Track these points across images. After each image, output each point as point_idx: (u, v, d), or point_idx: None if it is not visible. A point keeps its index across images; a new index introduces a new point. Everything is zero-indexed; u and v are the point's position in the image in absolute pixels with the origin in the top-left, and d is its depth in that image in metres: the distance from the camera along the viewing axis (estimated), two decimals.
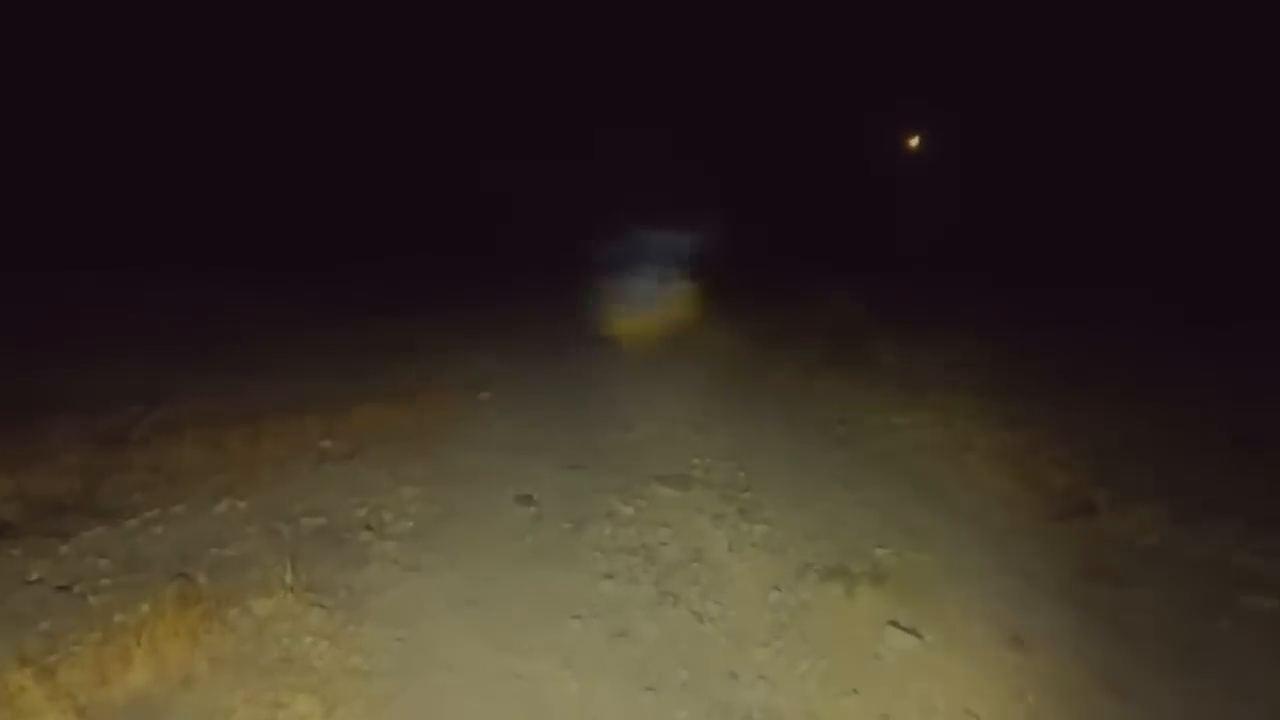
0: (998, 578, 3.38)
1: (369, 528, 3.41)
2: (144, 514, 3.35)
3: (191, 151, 11.88)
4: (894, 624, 2.89)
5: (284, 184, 12.64)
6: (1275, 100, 11.27)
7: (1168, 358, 7.52)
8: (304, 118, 13.12)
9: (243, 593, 2.76)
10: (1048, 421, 5.48)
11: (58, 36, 10.62)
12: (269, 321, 7.67)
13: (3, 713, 2.13)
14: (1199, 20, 11.98)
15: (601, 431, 5.06)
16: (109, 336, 6.52)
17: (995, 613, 3.08)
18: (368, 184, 13.96)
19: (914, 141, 16.44)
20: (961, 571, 3.40)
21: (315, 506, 3.57)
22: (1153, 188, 12.39)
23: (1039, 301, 10.28)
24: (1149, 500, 4.20)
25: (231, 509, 3.49)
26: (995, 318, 9.13)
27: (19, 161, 9.76)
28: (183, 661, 2.40)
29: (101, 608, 2.65)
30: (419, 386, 5.67)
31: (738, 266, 13.17)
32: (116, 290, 8.25)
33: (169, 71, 11.59)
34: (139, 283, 8.72)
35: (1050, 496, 4.31)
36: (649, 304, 10.50)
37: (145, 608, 2.62)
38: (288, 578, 2.82)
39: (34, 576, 2.85)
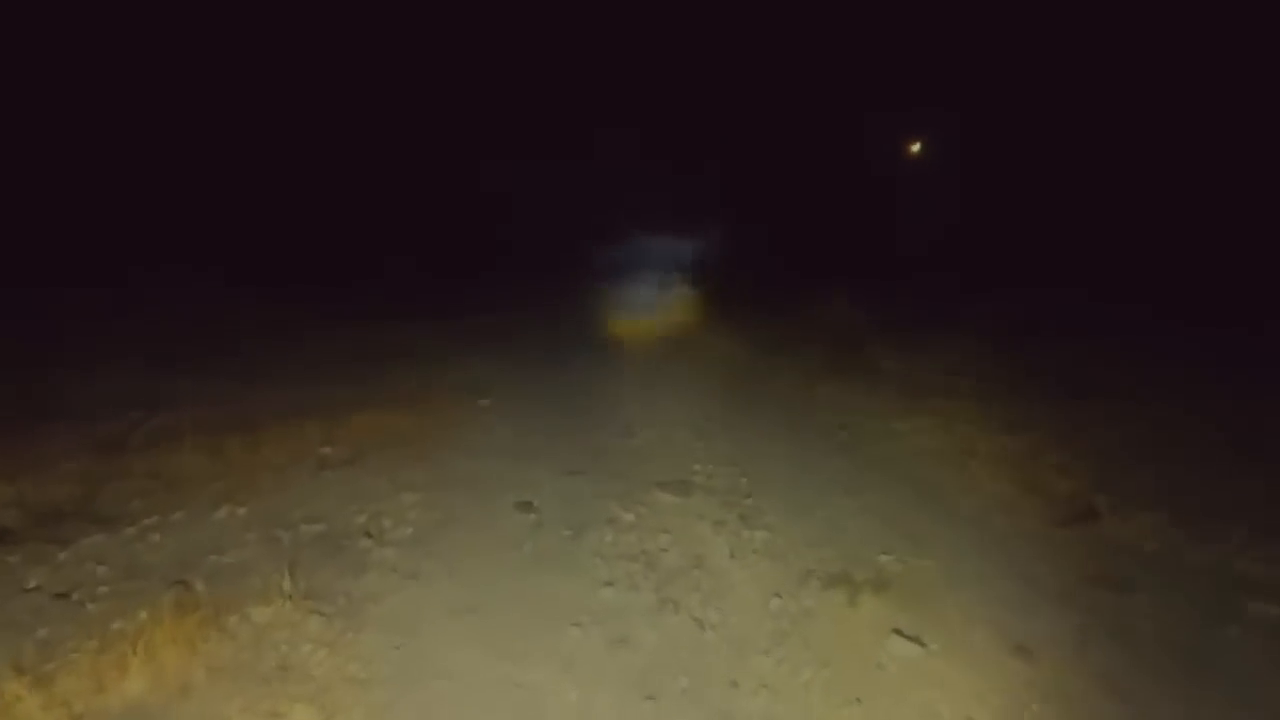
0: (1000, 584, 3.36)
1: (368, 534, 3.40)
2: (143, 521, 3.34)
3: (191, 157, 11.90)
4: (897, 632, 2.87)
5: (284, 189, 12.66)
6: (1273, 104, 11.27)
7: (1167, 361, 7.50)
8: (302, 123, 13.14)
9: (241, 600, 2.75)
10: (1048, 426, 5.46)
11: (59, 39, 10.66)
12: (269, 328, 7.67)
13: None
14: (1197, 24, 12.00)
15: (602, 437, 5.05)
16: (109, 343, 6.51)
17: (998, 619, 3.05)
18: (368, 189, 13.98)
19: (915, 145, 16.46)
20: (964, 578, 3.38)
21: (315, 513, 3.55)
22: (1152, 191, 12.39)
23: (1039, 305, 10.26)
24: (1151, 506, 4.18)
25: (231, 516, 3.48)
26: (995, 322, 9.11)
27: (20, 167, 9.78)
28: (180, 670, 2.38)
29: (99, 615, 2.64)
30: (419, 392, 5.67)
31: (738, 271, 13.18)
32: (116, 296, 8.25)
33: (167, 77, 11.62)
34: (139, 289, 8.72)
35: (1052, 502, 4.29)
36: (649, 309, 10.51)
37: (143, 615, 2.61)
38: (286, 585, 2.81)
39: (32, 584, 2.84)
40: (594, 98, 16.38)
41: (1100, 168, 13.20)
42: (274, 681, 2.38)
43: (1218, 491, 4.43)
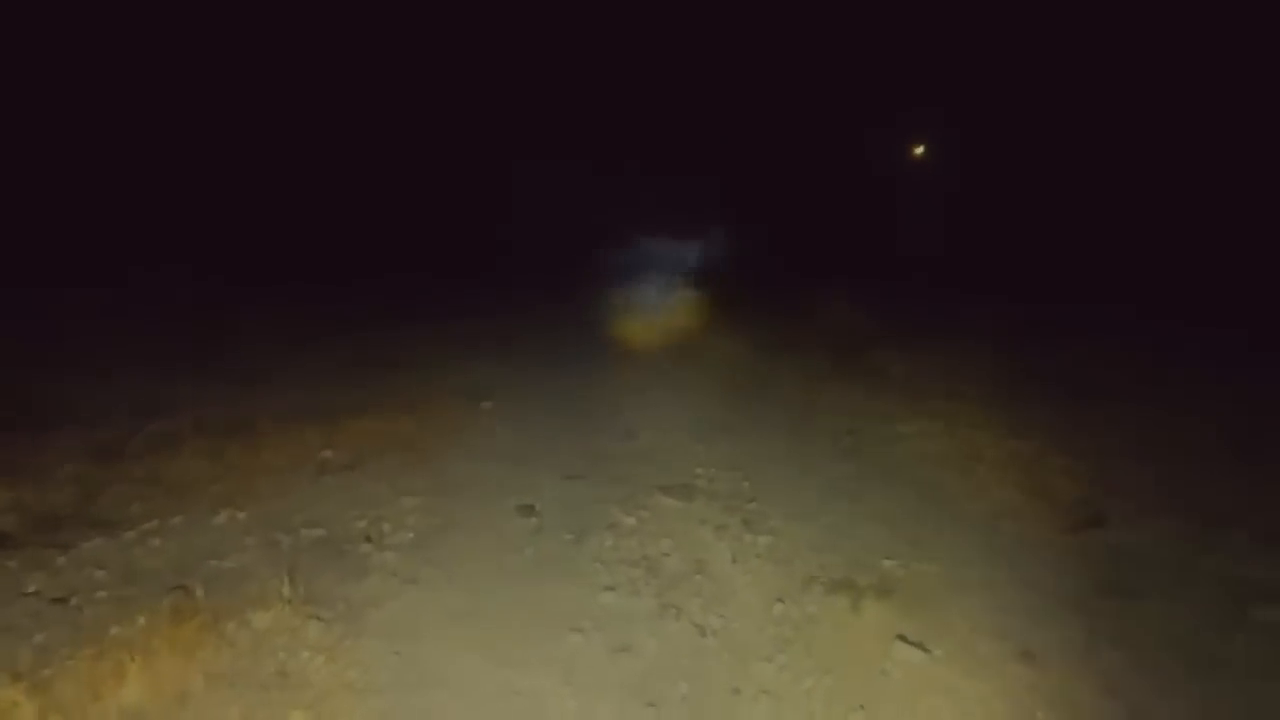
0: (1006, 590, 3.32)
1: (368, 539, 3.38)
2: (142, 525, 3.32)
3: (193, 162, 11.93)
4: (901, 638, 2.84)
5: (286, 191, 12.69)
6: (1271, 110, 11.24)
7: (1169, 362, 7.46)
8: (304, 124, 13.17)
9: (240, 606, 2.73)
10: (1053, 429, 5.43)
11: (60, 43, 10.70)
12: (270, 332, 7.67)
13: None
14: (1197, 34, 11.99)
15: (604, 441, 5.03)
16: (109, 346, 6.51)
17: (1004, 626, 3.02)
18: (369, 190, 14.02)
19: (916, 151, 16.45)
20: (969, 584, 3.35)
21: (315, 518, 3.54)
22: (1152, 193, 12.36)
23: (1039, 308, 10.23)
24: (1157, 511, 4.14)
25: (230, 520, 3.46)
26: (996, 325, 9.08)
27: (22, 171, 9.81)
28: (178, 676, 2.36)
29: (97, 621, 2.63)
30: (420, 396, 5.65)
31: (740, 274, 13.17)
32: (117, 298, 8.26)
33: (169, 80, 11.66)
34: (140, 291, 8.73)
35: (1058, 507, 4.25)
36: (651, 311, 10.50)
37: (141, 621, 2.60)
38: (285, 590, 2.79)
39: (30, 588, 2.83)
40: (594, 100, 16.42)
41: (1100, 169, 13.17)
42: (272, 688, 2.36)
43: (1224, 496, 4.39)
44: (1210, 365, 7.34)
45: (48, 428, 4.49)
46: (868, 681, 2.64)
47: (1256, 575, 3.53)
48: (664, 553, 3.46)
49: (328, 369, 6.41)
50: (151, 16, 11.26)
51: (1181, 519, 4.05)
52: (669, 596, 3.09)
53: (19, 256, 8.84)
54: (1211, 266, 10.85)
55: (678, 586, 3.18)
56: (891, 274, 13.19)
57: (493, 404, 5.65)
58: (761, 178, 16.66)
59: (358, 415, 4.99)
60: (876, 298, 10.50)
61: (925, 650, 2.79)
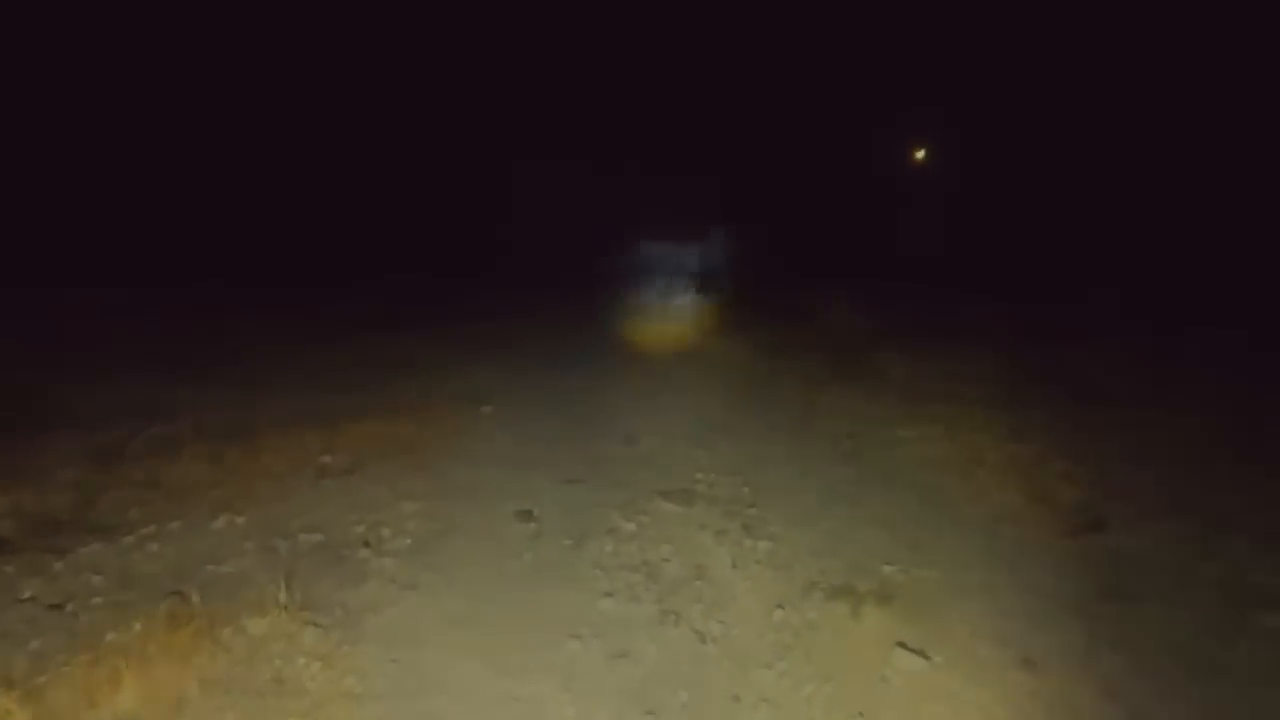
0: (1007, 595, 3.31)
1: (367, 544, 3.37)
2: (140, 530, 3.31)
3: (195, 165, 11.95)
4: (901, 645, 2.82)
5: (287, 196, 12.70)
6: (1270, 111, 11.25)
7: (1169, 365, 7.46)
8: (305, 129, 13.19)
9: (237, 611, 2.71)
10: (1053, 434, 5.41)
11: (61, 46, 10.72)
12: (271, 336, 7.68)
13: None
14: (1196, 34, 12.00)
15: (604, 445, 5.02)
16: (109, 351, 6.52)
17: (1005, 632, 3.00)
18: (371, 193, 14.03)
19: (917, 154, 16.45)
20: (970, 589, 3.33)
21: (313, 523, 3.52)
22: (1152, 197, 12.35)
23: (1040, 310, 10.22)
24: (1158, 515, 4.13)
25: (229, 525, 3.45)
26: (997, 328, 9.07)
27: (23, 174, 9.83)
28: (173, 683, 2.35)
29: (93, 627, 2.61)
30: (419, 400, 5.64)
31: (740, 276, 13.16)
32: (118, 305, 8.27)
33: (171, 84, 11.68)
34: (140, 297, 8.74)
35: (1059, 511, 4.23)
36: (652, 315, 10.49)
37: (137, 627, 2.58)
38: (282, 596, 2.77)
39: (26, 594, 2.81)
40: (594, 102, 16.43)
41: (1101, 174, 13.17)
42: (268, 695, 2.35)
43: (1224, 500, 4.37)
44: (1210, 367, 7.33)
45: (47, 430, 4.49)
46: (868, 688, 2.63)
47: (1258, 580, 3.51)
48: (664, 558, 3.44)
49: (328, 372, 6.41)
50: (151, 18, 11.27)
51: (1182, 523, 4.03)
52: (668, 602, 3.08)
53: (19, 257, 8.84)
54: (1211, 267, 10.84)
55: (677, 592, 3.16)
56: (892, 275, 13.19)
57: (493, 408, 5.64)
58: (762, 179, 16.67)
59: (358, 419, 4.98)
60: (877, 299, 10.50)
61: (925, 657, 2.77)
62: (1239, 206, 11.43)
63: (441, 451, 4.64)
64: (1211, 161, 11.90)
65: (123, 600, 2.78)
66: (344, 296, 10.30)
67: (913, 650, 2.80)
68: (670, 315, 10.83)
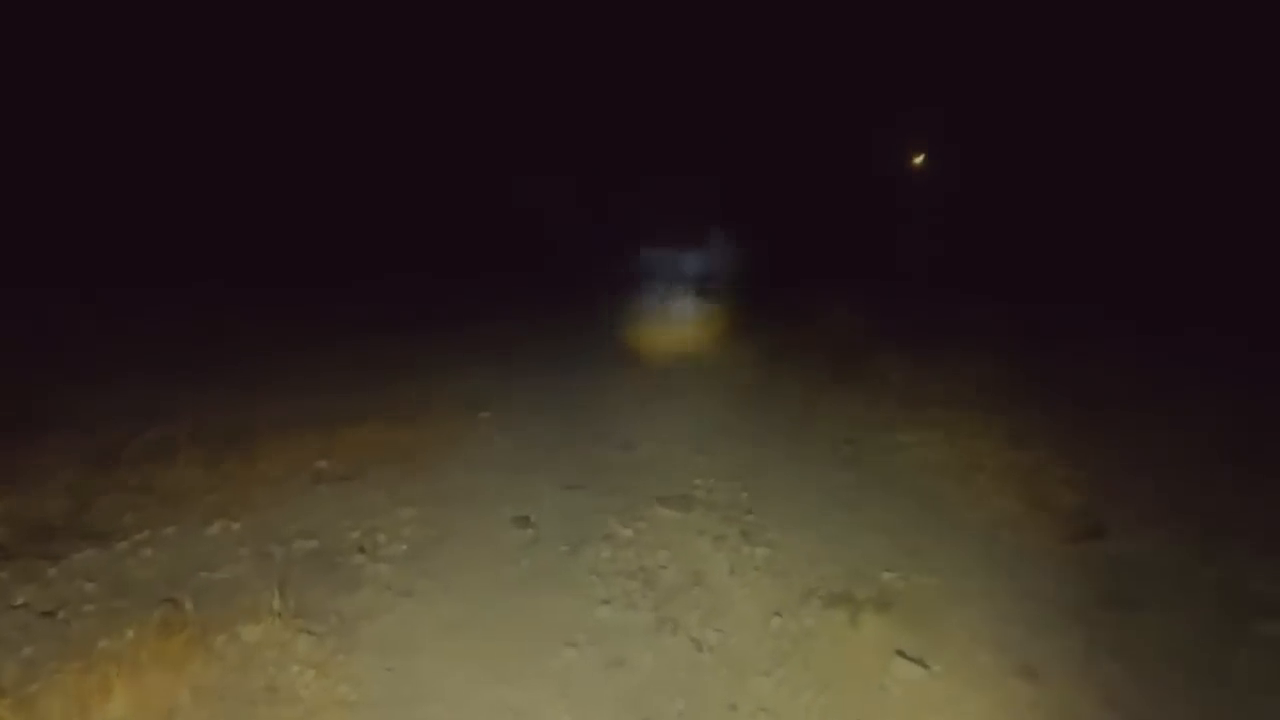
0: (1007, 602, 3.29)
1: (362, 550, 3.35)
2: (134, 536, 3.30)
3: (197, 165, 11.96)
4: (900, 653, 2.80)
5: (289, 198, 12.71)
6: (1270, 115, 11.26)
7: (1169, 369, 7.43)
8: (306, 131, 13.21)
9: (230, 619, 2.70)
10: (1054, 439, 5.39)
11: (60, 46, 10.73)
12: (271, 338, 7.66)
13: None
14: (1196, 37, 12.02)
15: (602, 450, 5.00)
16: (108, 353, 6.51)
17: (1005, 639, 2.98)
18: (373, 196, 14.05)
19: (917, 158, 16.46)
20: (969, 596, 3.31)
21: (309, 528, 3.51)
22: (1152, 201, 12.36)
23: (1040, 314, 10.20)
24: (1158, 521, 4.10)
25: (224, 530, 3.44)
26: (996, 332, 9.05)
27: (22, 175, 9.83)
28: (165, 691, 2.33)
29: (85, 634, 2.60)
30: (419, 405, 5.63)
31: (740, 279, 13.16)
32: (117, 306, 8.26)
33: (173, 83, 11.70)
34: (141, 297, 8.74)
35: (1059, 517, 4.21)
36: (653, 320, 10.47)
37: (129, 634, 2.57)
38: (276, 603, 2.76)
39: (19, 601, 2.80)
40: (593, 105, 16.45)
41: (1100, 177, 13.17)
42: (261, 704, 2.33)
43: (1225, 505, 4.35)
44: (1211, 372, 7.30)
45: (43, 432, 4.47)
46: (866, 697, 2.61)
47: (1258, 587, 3.49)
48: (661, 565, 3.42)
49: (328, 373, 6.40)
50: (155, 21, 11.28)
51: (1182, 528, 4.01)
52: (666, 610, 3.06)
53: (19, 257, 8.84)
54: (1212, 269, 10.84)
55: (675, 599, 3.14)
56: (892, 278, 13.19)
57: (492, 413, 5.62)
58: (762, 182, 16.67)
59: (356, 423, 4.97)
60: (877, 301, 10.47)
61: (924, 665, 2.75)
62: (1239, 208, 11.43)
63: (439, 456, 4.62)
64: (1212, 163, 11.90)
65: (115, 607, 2.77)
66: (345, 297, 10.30)
67: (911, 658, 2.78)
68: (670, 319, 10.82)
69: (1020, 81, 13.95)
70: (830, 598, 3.19)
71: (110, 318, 7.84)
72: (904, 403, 6.29)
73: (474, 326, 9.04)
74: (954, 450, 5.23)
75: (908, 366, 7.30)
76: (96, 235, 10.17)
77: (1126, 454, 5.18)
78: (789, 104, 16.51)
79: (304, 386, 5.98)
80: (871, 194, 16.36)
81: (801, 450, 5.24)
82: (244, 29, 12.42)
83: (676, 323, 10.53)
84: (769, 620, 3.02)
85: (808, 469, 4.85)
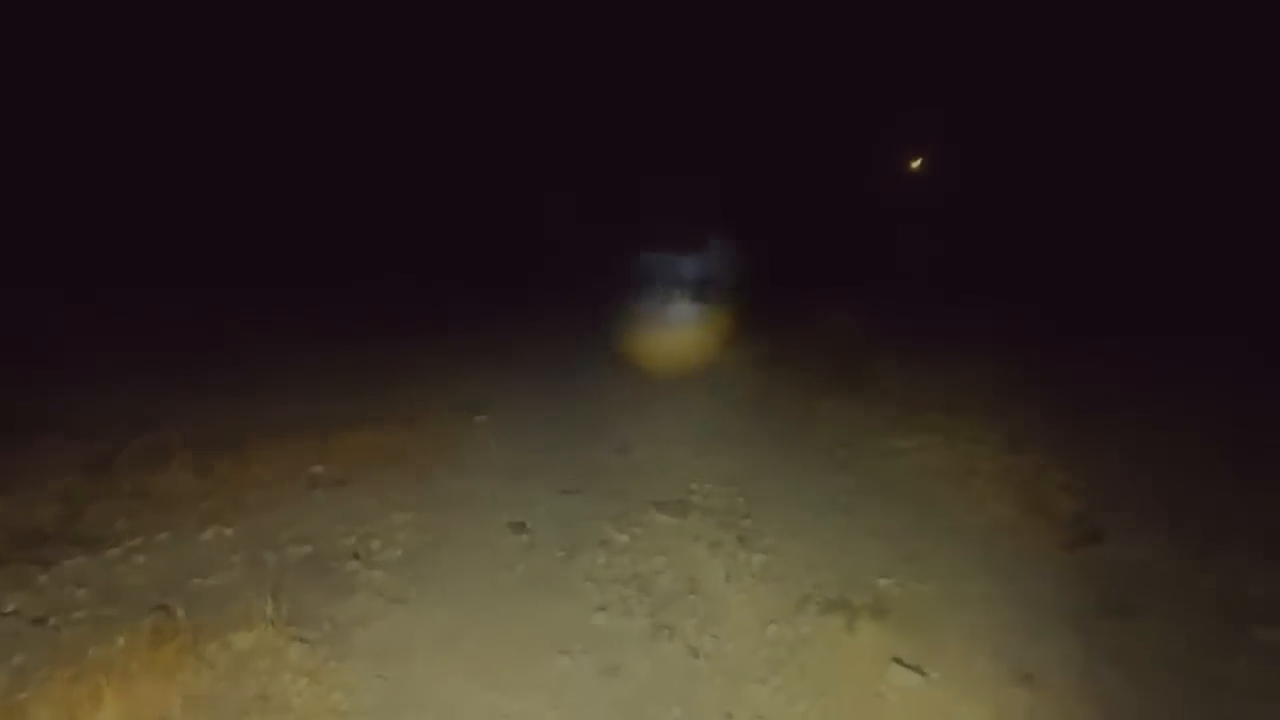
0: (1004, 609, 3.27)
1: (356, 556, 3.33)
2: (127, 542, 3.28)
3: (198, 166, 11.96)
4: (896, 660, 2.78)
5: (291, 199, 12.72)
6: (1270, 119, 11.28)
7: (1168, 373, 7.41)
8: (310, 132, 13.22)
9: (222, 626, 2.68)
10: (1051, 442, 5.37)
11: (58, 46, 10.72)
12: (270, 340, 7.66)
13: None
14: (1196, 41, 12.04)
15: (598, 455, 4.99)
16: (105, 355, 6.49)
17: (1002, 646, 2.96)
18: (374, 198, 14.06)
19: (915, 161, 16.48)
20: (967, 602, 3.29)
21: (303, 534, 3.49)
22: (1151, 203, 12.36)
23: (1039, 318, 10.19)
24: (1157, 527, 4.08)
25: (217, 536, 3.42)
26: (996, 335, 9.04)
27: (20, 176, 9.81)
28: (156, 700, 2.31)
29: (75, 642, 2.58)
30: (415, 409, 5.61)
31: (739, 284, 13.14)
32: (116, 307, 8.24)
33: (174, 82, 11.69)
34: (140, 298, 8.72)
35: (1057, 523, 4.19)
36: (652, 324, 10.46)
37: (120, 642, 2.54)
38: (269, 610, 2.73)
39: (9, 608, 2.78)
40: (593, 108, 16.47)
41: (1101, 177, 13.18)
42: (252, 713, 2.31)
43: (1224, 511, 4.33)
44: (1210, 377, 7.29)
45: (38, 438, 4.45)
46: (862, 705, 2.59)
47: (1258, 593, 3.47)
48: (657, 571, 3.41)
49: (326, 378, 6.38)
50: (157, 22, 11.28)
51: (1180, 534, 3.99)
52: (661, 616, 3.04)
53: (17, 258, 8.82)
54: (1211, 276, 10.83)
55: (670, 606, 3.12)
56: (891, 282, 13.19)
57: (488, 417, 5.61)
58: (761, 186, 16.67)
59: (352, 427, 4.95)
60: (877, 305, 10.46)
61: (921, 672, 2.73)
62: (1239, 211, 11.43)
63: (435, 461, 4.61)
64: (1212, 166, 11.91)
65: (106, 614, 2.75)
66: (346, 298, 10.31)
67: (908, 666, 2.76)
68: (669, 322, 10.81)
69: (1020, 82, 13.97)
70: (827, 604, 3.17)
71: (109, 318, 7.82)
72: (902, 407, 6.27)
73: (473, 328, 9.06)
74: (952, 455, 5.22)
75: (906, 370, 7.29)
76: (96, 236, 10.16)
77: (1126, 458, 5.16)
78: (788, 105, 16.53)
79: (302, 390, 5.96)
80: (871, 195, 16.36)
81: (799, 455, 5.23)
82: (245, 30, 12.43)
83: (675, 326, 10.52)
84: (765, 627, 3.00)
85: (805, 474, 4.83)
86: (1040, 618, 3.21)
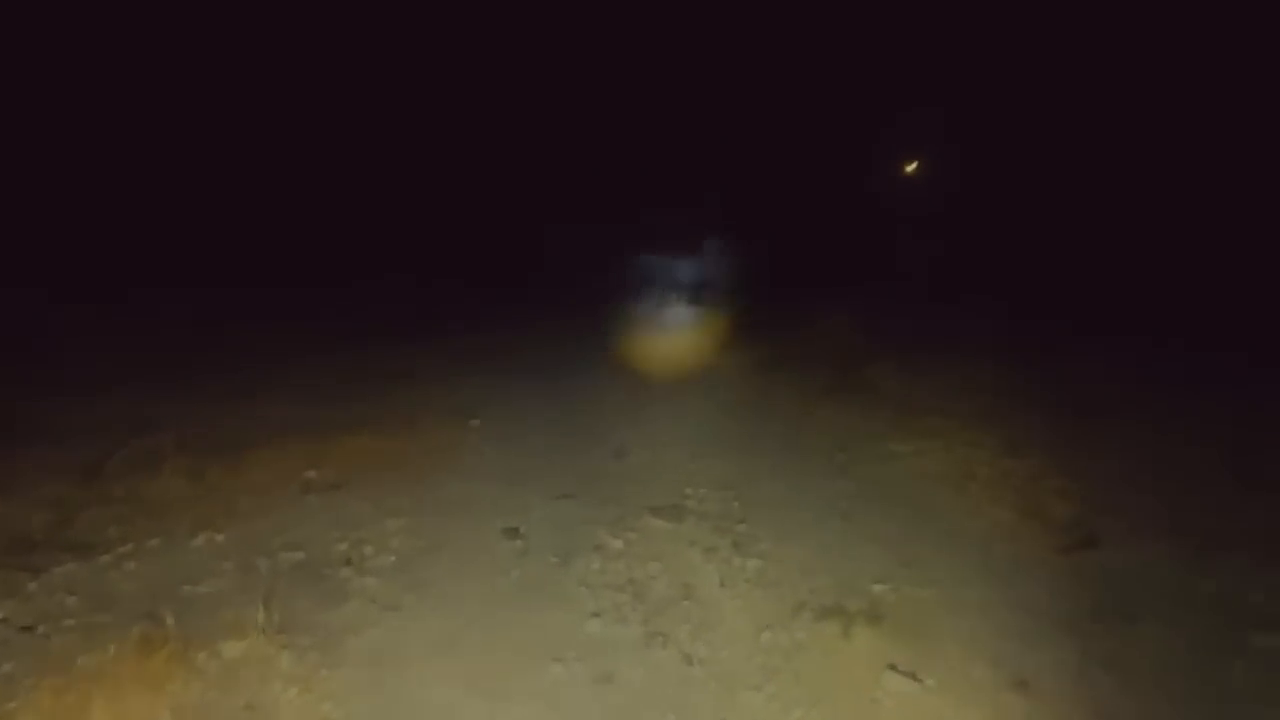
0: (1001, 615, 3.25)
1: (349, 563, 3.31)
2: (118, 549, 3.26)
3: (199, 166, 11.95)
4: (892, 667, 2.77)
5: (291, 199, 12.72)
6: (1271, 125, 11.28)
7: (1166, 381, 7.40)
8: (311, 132, 13.21)
9: (212, 634, 2.65)
10: (1048, 448, 5.36)
11: (57, 46, 10.71)
12: (269, 343, 7.63)
13: None
14: (1197, 46, 12.05)
15: (594, 459, 4.97)
16: (103, 357, 6.47)
17: (998, 653, 2.95)
18: (374, 200, 14.06)
19: (912, 164, 16.48)
20: (963, 608, 3.27)
21: (295, 540, 3.47)
22: (1152, 210, 12.36)
23: (1038, 322, 10.19)
24: (1154, 532, 4.07)
25: (209, 543, 3.40)
26: (995, 340, 9.03)
27: (20, 176, 9.80)
28: (144, 709, 2.29)
29: (64, 650, 2.56)
30: (413, 413, 5.59)
31: (736, 289, 13.13)
32: (115, 308, 8.23)
33: (174, 82, 11.69)
34: (140, 299, 8.71)
35: (1054, 528, 4.18)
36: (650, 328, 10.44)
37: (110, 650, 2.52)
38: (260, 618, 2.71)
39: None
40: (593, 110, 16.47)
41: (1101, 181, 13.18)
42: None
43: (1222, 517, 4.32)
44: (1208, 383, 7.28)
45: (30, 443, 4.43)
46: (858, 712, 2.57)
47: (1256, 600, 3.46)
48: (651, 576, 3.39)
49: (326, 381, 6.36)
50: (159, 22, 11.27)
51: (1178, 540, 3.98)
52: (656, 623, 3.02)
53: (18, 259, 8.81)
54: (1211, 282, 10.83)
55: (665, 612, 3.11)
56: (891, 283, 13.19)
57: (487, 422, 5.58)
58: (761, 189, 16.67)
59: (348, 432, 4.93)
60: (875, 308, 10.45)
61: (917, 679, 2.71)
62: (1240, 220, 11.43)
63: (430, 466, 4.58)
64: (1213, 174, 11.91)
65: (96, 622, 2.72)
66: (346, 299, 10.30)
67: (904, 672, 2.74)
68: (668, 325, 10.80)
69: (1020, 83, 13.97)
70: (822, 610, 3.16)
71: (109, 319, 7.81)
72: (901, 410, 6.26)
73: (473, 330, 9.04)
74: (950, 459, 5.20)
75: (905, 374, 7.28)
76: (96, 236, 10.14)
77: (1124, 463, 5.15)
78: (788, 107, 16.53)
79: (299, 393, 5.94)
80: (871, 196, 16.36)
81: (796, 459, 5.21)
82: (245, 30, 12.42)
83: (673, 329, 10.50)
84: (760, 634, 2.98)
85: (802, 478, 4.81)
86: (1037, 623, 3.19)
